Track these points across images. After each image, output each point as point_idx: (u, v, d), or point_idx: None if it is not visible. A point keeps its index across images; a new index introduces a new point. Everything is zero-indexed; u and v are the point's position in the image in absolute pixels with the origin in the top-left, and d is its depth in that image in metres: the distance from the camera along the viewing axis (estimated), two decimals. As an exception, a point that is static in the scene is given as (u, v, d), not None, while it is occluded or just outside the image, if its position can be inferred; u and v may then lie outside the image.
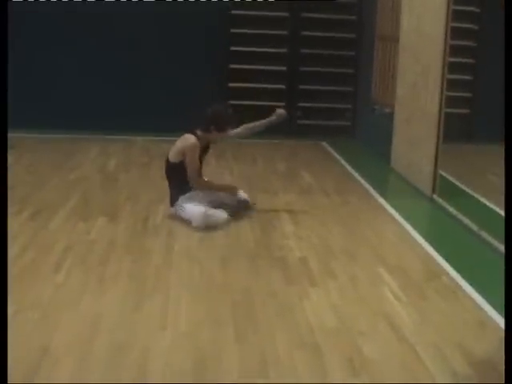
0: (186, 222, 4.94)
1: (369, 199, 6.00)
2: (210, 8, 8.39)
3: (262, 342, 3.20)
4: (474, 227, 5.08)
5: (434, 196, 6.00)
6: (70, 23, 8.33)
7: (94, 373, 2.89)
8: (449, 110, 6.09)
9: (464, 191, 6.25)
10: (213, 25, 8.53)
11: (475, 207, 5.76)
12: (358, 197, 6.04)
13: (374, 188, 6.31)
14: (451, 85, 6.10)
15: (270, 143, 8.12)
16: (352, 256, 4.49)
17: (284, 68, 8.84)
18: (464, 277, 4.11)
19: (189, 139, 5.04)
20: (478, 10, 8.43)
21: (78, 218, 5.02)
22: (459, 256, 4.63)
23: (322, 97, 8.86)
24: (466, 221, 5.25)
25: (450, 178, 6.52)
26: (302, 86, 8.88)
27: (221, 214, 4.97)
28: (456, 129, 7.93)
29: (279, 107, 5.64)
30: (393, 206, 5.73)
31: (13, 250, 4.20)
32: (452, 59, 6.05)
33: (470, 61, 8.55)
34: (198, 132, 5.07)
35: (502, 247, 4.43)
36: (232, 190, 5.28)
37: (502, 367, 2.50)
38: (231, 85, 8.62)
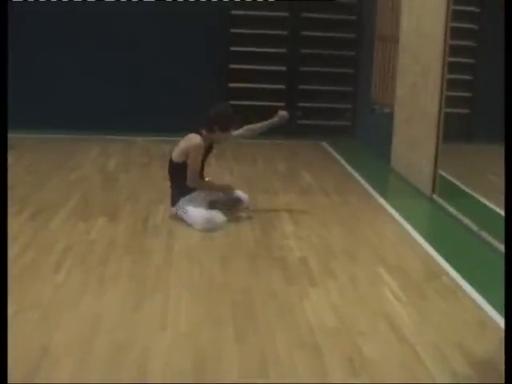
0: (187, 224, 4.94)
1: (369, 199, 6.00)
2: (210, 8, 8.40)
3: (262, 342, 3.20)
4: (474, 227, 5.08)
5: (434, 196, 6.00)
6: (70, 23, 8.34)
7: (94, 373, 2.89)
8: (449, 110, 6.09)
9: (464, 191, 6.25)
10: (213, 25, 8.53)
11: (475, 207, 5.77)
12: (357, 197, 6.05)
13: (373, 188, 6.32)
14: (451, 85, 6.10)
15: (270, 143, 8.12)
16: (352, 256, 4.49)
17: (284, 68, 8.84)
18: (464, 277, 4.11)
19: (194, 139, 5.03)
20: (477, 10, 8.43)
21: (78, 218, 5.02)
22: (459, 256, 4.63)
23: (322, 97, 8.87)
24: (466, 221, 5.25)
25: (450, 178, 6.52)
26: (301, 86, 8.88)
27: (221, 216, 4.97)
28: (456, 129, 7.93)
29: (281, 108, 5.64)
30: (393, 206, 5.73)
31: (13, 250, 4.20)
32: (452, 59, 6.05)
33: (470, 61, 8.55)
34: (203, 132, 5.06)
35: (501, 247, 4.43)
36: (228, 190, 5.27)
37: (502, 367, 2.50)
38: (231, 85, 8.62)
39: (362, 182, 6.60)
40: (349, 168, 7.24)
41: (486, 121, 7.91)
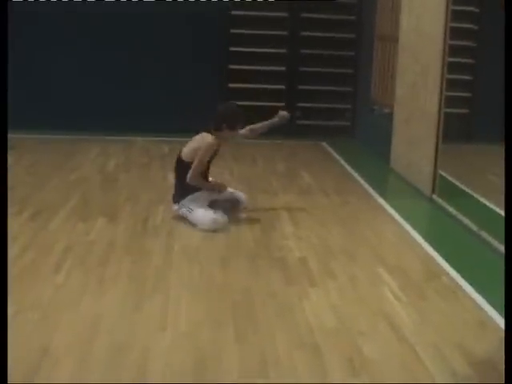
0: (190, 223, 4.94)
1: (368, 199, 6.00)
2: (210, 8, 8.40)
3: (262, 342, 3.20)
4: (474, 227, 5.08)
5: (434, 196, 6.00)
6: (70, 23, 8.34)
7: (93, 373, 2.89)
8: (448, 110, 6.09)
9: (464, 191, 6.25)
10: (213, 25, 8.53)
11: (475, 207, 5.77)
12: (357, 197, 6.05)
13: (373, 188, 6.32)
14: (451, 85, 6.10)
15: (270, 143, 8.12)
16: (352, 256, 4.49)
17: (284, 68, 8.84)
18: (464, 277, 4.11)
19: (206, 138, 5.01)
20: (477, 10, 8.43)
21: (77, 219, 5.02)
22: (459, 256, 4.63)
23: (322, 97, 8.86)
24: (466, 221, 5.25)
25: (450, 178, 6.52)
26: (301, 87, 8.88)
27: (224, 217, 4.96)
28: (455, 129, 7.94)
29: (282, 109, 5.64)
30: (392, 206, 5.73)
31: (13, 251, 4.20)
32: (451, 59, 6.05)
33: (470, 61, 8.55)
34: (213, 131, 5.06)
35: (501, 247, 4.43)
36: (222, 188, 5.23)
37: (502, 367, 2.50)
38: (231, 85, 8.62)
39: (362, 182, 6.60)
40: (348, 168, 7.24)
41: (486, 121, 7.91)
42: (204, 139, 5.02)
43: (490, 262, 4.48)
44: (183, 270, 4.14)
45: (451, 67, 6.07)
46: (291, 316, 3.51)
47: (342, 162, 7.57)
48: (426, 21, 6.21)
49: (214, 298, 3.72)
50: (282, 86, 8.86)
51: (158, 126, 8.21)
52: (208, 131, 5.04)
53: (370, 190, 6.26)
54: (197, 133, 5.13)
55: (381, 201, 5.92)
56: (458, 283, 4.04)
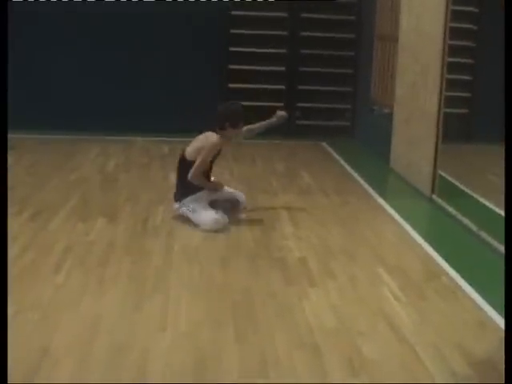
0: (191, 223, 4.94)
1: (368, 199, 6.01)
2: (210, 8, 8.40)
3: (262, 342, 3.20)
4: (474, 227, 5.08)
5: (434, 196, 6.00)
6: (70, 23, 8.34)
7: (93, 373, 2.89)
8: (448, 110, 6.09)
9: (463, 191, 6.25)
10: (213, 25, 8.54)
11: (475, 207, 5.77)
12: (357, 197, 6.05)
13: (373, 188, 6.32)
14: (450, 85, 6.10)
15: (270, 144, 8.13)
16: (351, 256, 4.49)
17: (283, 68, 8.84)
18: (463, 277, 4.11)
19: (211, 137, 5.01)
20: (476, 11, 8.43)
21: (77, 219, 5.02)
22: (459, 256, 4.63)
23: (322, 97, 8.86)
24: (466, 221, 5.26)
25: (450, 178, 6.52)
26: (301, 87, 8.88)
27: (225, 217, 4.96)
28: (455, 129, 7.94)
29: (280, 108, 5.64)
30: (392, 206, 5.73)
31: (13, 251, 4.21)
32: (451, 59, 6.05)
33: (469, 61, 8.55)
34: (218, 131, 5.05)
35: (501, 247, 4.43)
36: (219, 186, 5.23)
37: (502, 367, 2.51)
38: (231, 85, 8.62)
39: (362, 182, 6.60)
40: (348, 168, 7.24)
41: (486, 121, 7.91)
42: (208, 138, 5.02)
43: (490, 262, 4.49)
44: (183, 270, 4.14)
45: (451, 67, 6.07)
46: (291, 316, 3.52)
47: (342, 162, 7.58)
48: (425, 21, 6.22)
49: (213, 298, 3.73)
50: (282, 86, 8.86)
51: (157, 126, 8.21)
52: (213, 131, 5.04)
53: (370, 190, 6.27)
54: (200, 133, 5.13)
55: (380, 201, 5.92)
56: (457, 283, 4.05)
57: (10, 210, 4.77)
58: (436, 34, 5.91)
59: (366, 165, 7.49)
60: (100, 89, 8.49)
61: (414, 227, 5.13)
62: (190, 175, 4.95)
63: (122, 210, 5.31)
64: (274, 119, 5.48)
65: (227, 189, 5.31)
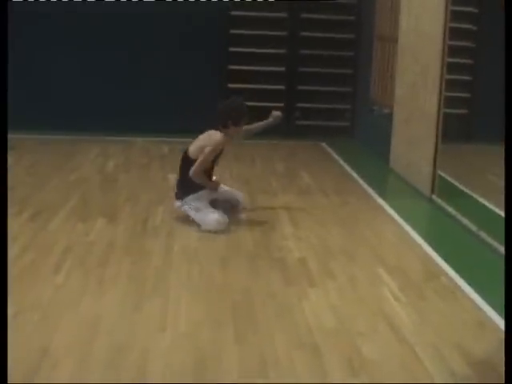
0: (190, 222, 4.94)
1: (368, 199, 6.01)
2: (210, 8, 8.40)
3: (262, 343, 3.21)
4: (473, 227, 5.08)
5: (433, 196, 6.00)
6: (70, 23, 8.34)
7: (93, 373, 2.89)
8: (448, 111, 6.10)
9: (463, 191, 6.26)
10: (212, 25, 8.54)
11: (474, 207, 5.77)
12: (357, 197, 6.05)
13: (372, 188, 6.32)
14: (450, 85, 6.11)
15: (269, 144, 8.13)
16: (351, 256, 4.50)
17: (283, 69, 8.84)
18: (463, 277, 4.12)
19: (214, 135, 5.01)
20: (476, 11, 8.43)
21: (77, 219, 5.02)
22: (458, 256, 4.64)
23: (321, 97, 8.86)
24: (465, 221, 5.26)
25: (449, 179, 6.52)
26: (301, 87, 8.88)
27: (225, 218, 4.96)
28: (455, 129, 7.95)
29: (275, 109, 5.65)
30: (392, 206, 5.74)
31: (13, 251, 4.21)
32: (451, 60, 6.05)
33: (469, 61, 8.55)
34: (221, 129, 5.04)
35: (501, 248, 4.44)
36: (216, 186, 5.22)
37: (501, 367, 2.51)
38: (230, 85, 8.61)
39: (361, 182, 6.60)
40: (348, 168, 7.24)
41: (485, 121, 7.91)
42: (211, 137, 5.02)
43: (490, 263, 4.49)
44: (183, 270, 4.14)
45: (451, 67, 6.07)
46: (291, 316, 3.52)
47: (342, 162, 7.58)
48: (425, 21, 6.22)
49: (213, 299, 3.73)
50: (282, 87, 8.86)
51: (158, 126, 8.21)
52: (217, 129, 5.04)
53: (370, 191, 6.27)
54: (201, 133, 5.13)
55: (380, 201, 5.93)
56: (457, 283, 4.05)
57: (10, 210, 4.76)
58: (436, 35, 5.91)
59: (366, 165, 7.49)
60: (100, 89, 8.49)
61: (414, 227, 5.13)
62: (191, 172, 4.94)
63: (121, 211, 5.31)
64: (270, 119, 5.49)
65: (224, 187, 5.30)
